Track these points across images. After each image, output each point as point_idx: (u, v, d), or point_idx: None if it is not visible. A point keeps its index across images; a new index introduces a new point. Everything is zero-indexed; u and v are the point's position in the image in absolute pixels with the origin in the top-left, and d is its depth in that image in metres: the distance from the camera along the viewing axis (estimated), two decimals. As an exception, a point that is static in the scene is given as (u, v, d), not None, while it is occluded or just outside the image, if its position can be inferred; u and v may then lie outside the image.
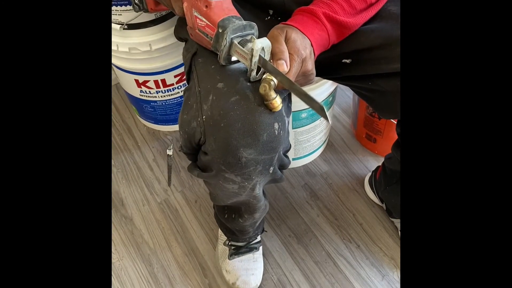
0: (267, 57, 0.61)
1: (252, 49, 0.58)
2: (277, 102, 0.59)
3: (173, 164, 1.25)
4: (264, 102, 0.60)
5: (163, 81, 1.15)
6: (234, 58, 0.64)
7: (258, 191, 0.71)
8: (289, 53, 0.60)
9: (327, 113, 0.54)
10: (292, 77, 0.60)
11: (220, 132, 0.60)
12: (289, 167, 1.20)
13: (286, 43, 0.61)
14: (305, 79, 0.64)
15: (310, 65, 0.62)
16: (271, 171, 0.66)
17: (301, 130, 1.11)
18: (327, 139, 1.28)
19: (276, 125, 0.61)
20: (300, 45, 0.61)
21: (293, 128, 1.09)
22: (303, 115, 1.06)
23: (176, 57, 1.11)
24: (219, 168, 0.63)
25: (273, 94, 0.59)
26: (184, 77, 0.95)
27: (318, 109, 0.55)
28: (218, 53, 0.63)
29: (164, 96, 1.20)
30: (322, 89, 1.02)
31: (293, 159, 1.21)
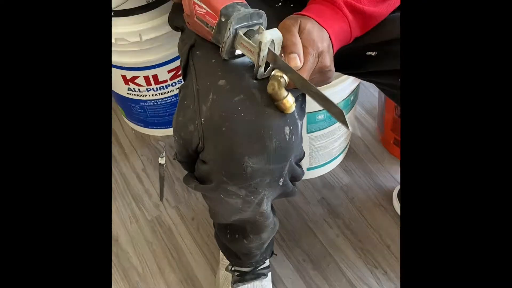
0: (277, 51, 0.61)
1: (260, 42, 0.59)
2: (289, 101, 0.60)
3: (166, 175, 1.26)
4: (274, 103, 0.61)
5: (155, 77, 1.16)
6: (238, 52, 0.65)
7: (266, 206, 0.72)
8: (303, 46, 0.61)
9: (347, 118, 0.55)
10: (306, 74, 0.61)
11: (222, 137, 0.61)
12: (302, 178, 1.21)
13: (300, 35, 0.62)
14: (321, 77, 0.65)
15: (328, 61, 0.63)
16: (281, 183, 0.67)
17: (317, 134, 1.12)
18: (348, 145, 1.29)
19: (287, 129, 0.62)
20: (316, 37, 0.62)
21: (307, 133, 1.10)
22: (320, 117, 1.07)
23: (170, 49, 1.12)
24: (220, 180, 0.64)
25: (283, 92, 0.60)
26: (180, 72, 0.97)
27: (337, 114, 0.56)
28: (220, 46, 0.64)
29: (156, 94, 1.22)
30: (342, 86, 1.03)
31: (308, 169, 1.22)
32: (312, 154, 1.17)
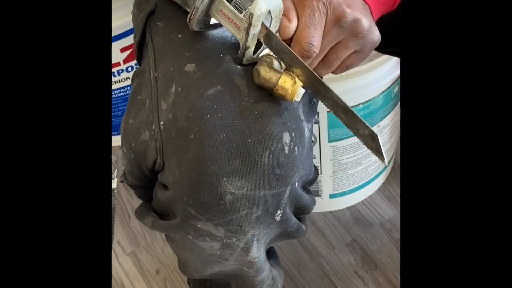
0: (274, 26, 0.62)
1: (251, 14, 0.59)
2: (288, 80, 0.60)
3: (118, 206, 1.27)
4: (271, 94, 0.62)
5: (102, 58, 1.19)
6: (213, 20, 0.66)
7: (257, 253, 0.72)
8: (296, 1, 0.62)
9: (380, 142, 0.56)
10: (309, 34, 0.60)
11: (189, 149, 0.62)
12: (324, 210, 1.20)
13: None
14: (352, 36, 0.63)
15: (345, 7, 0.62)
16: (278, 218, 0.67)
17: (344, 144, 1.12)
18: (392, 160, 1.29)
19: (286, 137, 0.63)
20: None
21: (329, 142, 1.11)
22: (348, 117, 1.07)
23: (123, 18, 1.14)
24: (187, 213, 0.65)
25: (276, 73, 0.60)
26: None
27: (366, 137, 0.57)
28: (189, 12, 0.64)
29: (103, 85, 1.23)
30: (379, 72, 1.03)
31: (331, 197, 1.22)
32: (336, 175, 1.17)
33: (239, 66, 0.64)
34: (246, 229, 0.66)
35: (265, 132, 0.62)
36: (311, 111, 0.72)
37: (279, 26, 0.61)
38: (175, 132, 0.63)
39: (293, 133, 0.63)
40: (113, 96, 1.27)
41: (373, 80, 1.04)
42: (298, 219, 0.73)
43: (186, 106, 0.62)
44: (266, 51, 0.64)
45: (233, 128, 0.61)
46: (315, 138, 1.09)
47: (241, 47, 0.63)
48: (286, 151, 0.63)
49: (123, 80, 1.24)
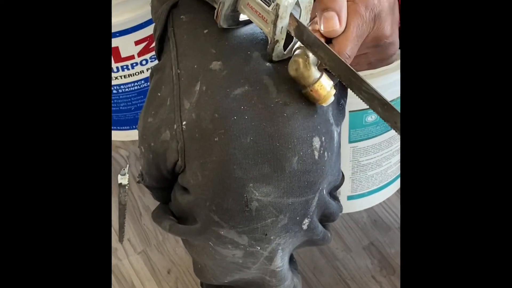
0: (304, 18, 0.61)
1: (278, 5, 0.59)
2: (323, 86, 0.60)
3: (129, 203, 1.26)
4: (301, 91, 0.61)
5: (115, 50, 1.17)
6: (243, 17, 0.65)
7: (281, 262, 0.71)
8: (349, 1, 0.60)
9: None
10: (351, 45, 0.60)
11: (214, 152, 0.61)
12: (342, 212, 1.18)
13: None
14: (378, 53, 0.65)
15: (389, 28, 0.63)
16: (305, 227, 0.66)
17: (365, 145, 1.11)
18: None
19: (316, 141, 0.62)
20: None
21: (350, 142, 1.10)
22: (370, 118, 1.06)
23: (139, 9, 1.13)
24: (209, 219, 0.64)
25: (314, 72, 0.59)
26: (153, 45, 0.96)
27: None
28: (216, 7, 0.64)
29: (117, 78, 1.22)
30: (396, 76, 1.01)
31: (349, 198, 1.21)
32: (356, 176, 1.16)
33: (267, 64, 0.63)
34: (272, 237, 0.65)
35: (295, 136, 0.60)
36: (340, 114, 0.71)
37: (325, 23, 0.59)
38: (198, 133, 0.62)
39: (323, 138, 0.62)
40: (127, 90, 1.26)
41: (397, 80, 1.02)
42: (323, 226, 0.72)
43: (211, 106, 0.61)
44: (298, 45, 0.62)
45: (261, 132, 0.60)
46: (337, 139, 1.09)
47: (269, 42, 0.62)
48: (316, 157, 0.62)
49: (137, 73, 1.24)
